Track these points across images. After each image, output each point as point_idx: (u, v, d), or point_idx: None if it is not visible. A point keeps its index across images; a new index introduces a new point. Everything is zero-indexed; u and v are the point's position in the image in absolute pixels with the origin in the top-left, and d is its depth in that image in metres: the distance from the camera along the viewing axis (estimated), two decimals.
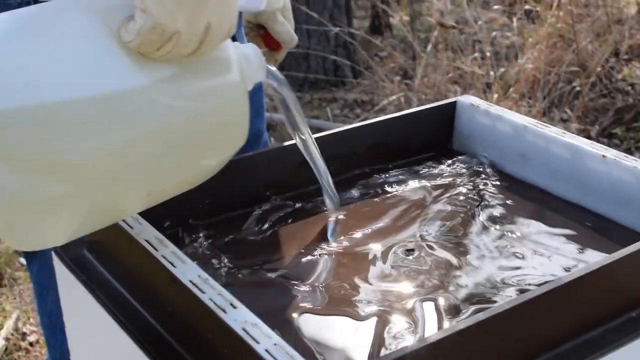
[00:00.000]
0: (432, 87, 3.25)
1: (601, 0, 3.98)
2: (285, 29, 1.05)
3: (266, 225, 0.89)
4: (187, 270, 0.69)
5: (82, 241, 0.84)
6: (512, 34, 3.88)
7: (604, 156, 0.87)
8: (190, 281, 0.68)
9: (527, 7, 3.86)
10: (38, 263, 1.17)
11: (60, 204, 0.66)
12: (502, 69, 3.38)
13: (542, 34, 3.59)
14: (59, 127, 0.63)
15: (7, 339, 2.11)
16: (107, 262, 0.81)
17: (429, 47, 3.32)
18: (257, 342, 0.61)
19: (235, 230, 0.88)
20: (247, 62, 0.75)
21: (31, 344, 2.11)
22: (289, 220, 0.90)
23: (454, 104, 1.02)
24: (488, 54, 3.31)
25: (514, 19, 3.72)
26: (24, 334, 2.15)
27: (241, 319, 0.63)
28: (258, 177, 0.92)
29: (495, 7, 4.15)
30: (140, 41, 0.65)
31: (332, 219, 0.89)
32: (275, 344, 0.60)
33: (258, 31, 1.07)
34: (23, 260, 2.42)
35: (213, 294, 0.66)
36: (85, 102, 0.64)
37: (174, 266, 0.70)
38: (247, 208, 0.91)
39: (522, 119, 0.96)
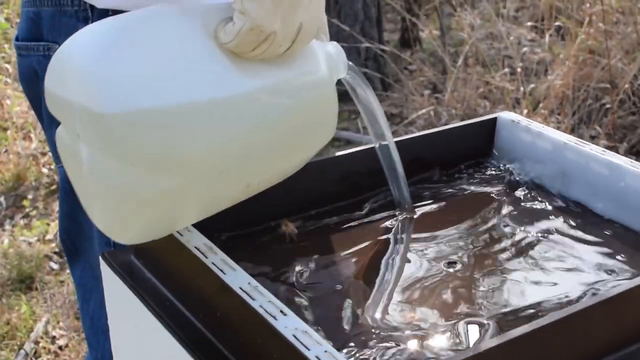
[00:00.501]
0: (462, 101, 3.26)
1: (632, 17, 3.97)
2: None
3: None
4: (237, 278, 0.71)
5: (129, 248, 0.86)
6: (542, 50, 3.88)
7: None
8: (241, 288, 0.69)
9: (557, 23, 3.87)
10: (81, 266, 1.19)
11: (171, 197, 0.71)
12: (531, 85, 3.38)
13: (571, 51, 3.58)
14: (174, 128, 0.68)
15: (36, 342, 2.13)
16: (155, 269, 0.82)
17: (459, 61, 3.33)
18: (308, 349, 0.62)
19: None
20: (331, 59, 0.79)
21: (60, 348, 2.13)
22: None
23: (494, 119, 1.03)
24: (518, 69, 3.32)
25: (546, 35, 3.72)
26: (54, 337, 2.17)
27: (292, 326, 0.65)
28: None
29: (528, 23, 4.15)
30: (238, 42, 0.68)
31: (401, 218, 0.92)
32: (325, 351, 0.62)
33: None
34: (54, 265, 2.45)
35: (263, 301, 0.68)
36: (197, 106, 0.68)
37: (224, 273, 0.72)
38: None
39: (562, 136, 0.97)
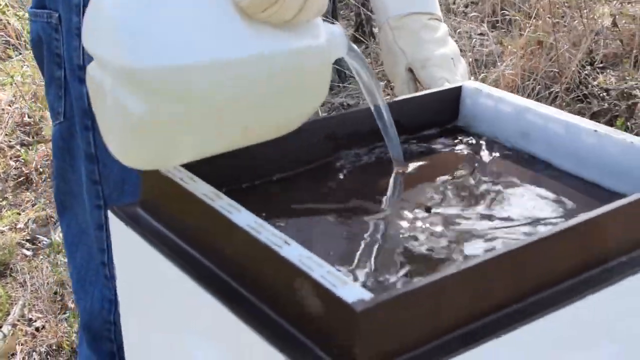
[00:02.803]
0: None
1: (577, 11, 4.12)
2: None
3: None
4: (243, 217, 0.80)
5: (134, 201, 0.95)
6: (492, 42, 4.02)
7: (595, 130, 0.99)
8: (248, 225, 0.79)
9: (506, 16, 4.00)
10: (67, 221, 1.29)
11: (180, 125, 0.82)
12: (482, 74, 3.51)
13: (520, 42, 3.72)
14: (190, 79, 0.80)
15: (13, 325, 2.20)
16: (162, 217, 0.91)
17: None
18: (312, 271, 0.71)
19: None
20: (333, 37, 0.89)
21: (37, 329, 2.20)
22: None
23: (460, 87, 1.14)
24: (469, 60, 3.44)
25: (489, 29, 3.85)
26: (30, 319, 2.23)
27: (296, 253, 0.74)
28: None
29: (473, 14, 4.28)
30: (250, 1, 0.77)
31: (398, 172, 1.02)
32: (328, 272, 0.71)
33: None
34: (27, 252, 2.52)
35: (268, 235, 0.77)
36: (215, 62, 0.80)
37: (231, 213, 0.81)
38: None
39: (522, 100, 1.08)
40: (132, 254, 0.94)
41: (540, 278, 0.77)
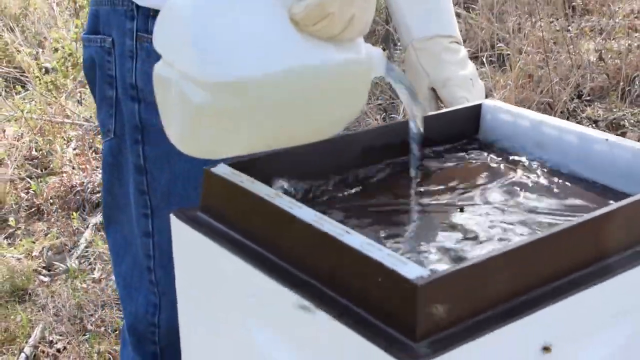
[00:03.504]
0: None
1: (565, 46, 4.27)
2: None
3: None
4: (305, 213, 0.90)
5: (195, 206, 1.05)
6: (482, 78, 4.15)
7: (607, 139, 1.10)
8: (311, 218, 0.89)
9: (498, 51, 4.14)
10: (113, 233, 1.39)
11: (234, 117, 0.94)
12: None
13: (512, 75, 3.86)
14: (250, 85, 0.92)
15: (35, 347, 2.28)
16: (224, 218, 1.01)
17: None
18: (374, 254, 0.82)
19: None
20: (372, 57, 1.01)
21: (59, 351, 2.28)
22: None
23: (480, 105, 1.25)
24: None
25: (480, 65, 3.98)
26: (51, 341, 2.32)
27: (358, 240, 0.84)
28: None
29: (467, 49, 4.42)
30: (305, 14, 0.89)
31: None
32: (388, 254, 0.81)
33: None
34: (44, 278, 2.60)
35: (330, 226, 0.87)
36: (271, 72, 0.93)
37: (292, 209, 0.91)
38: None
39: (537, 115, 1.19)
40: (194, 253, 1.04)
41: (571, 260, 0.87)
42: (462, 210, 1.04)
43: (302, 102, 0.97)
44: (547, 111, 3.65)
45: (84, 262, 2.70)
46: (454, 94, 1.31)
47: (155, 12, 1.22)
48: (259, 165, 1.04)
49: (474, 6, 4.74)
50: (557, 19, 4.76)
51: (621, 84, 4.03)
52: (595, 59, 4.40)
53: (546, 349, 0.82)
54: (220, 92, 0.92)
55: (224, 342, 1.03)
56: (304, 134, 1.03)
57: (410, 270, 0.78)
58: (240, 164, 1.03)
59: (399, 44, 4.28)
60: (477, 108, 1.25)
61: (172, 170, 1.30)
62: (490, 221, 1.01)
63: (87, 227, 2.92)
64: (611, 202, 1.02)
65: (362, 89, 1.02)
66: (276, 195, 0.95)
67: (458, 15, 4.58)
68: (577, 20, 4.97)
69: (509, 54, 4.07)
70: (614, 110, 3.94)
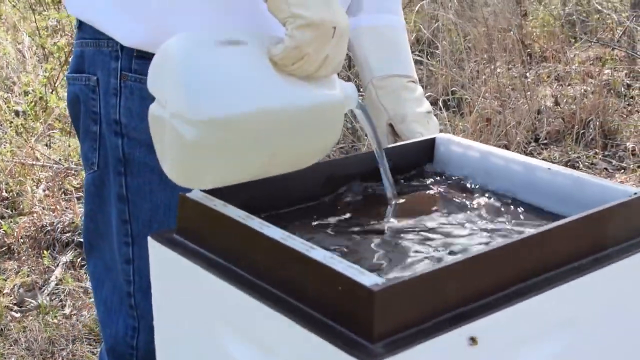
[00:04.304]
0: None
1: (522, 92, 4.42)
2: None
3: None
4: (274, 231, 0.99)
5: (171, 229, 1.14)
6: (441, 123, 4.29)
7: (549, 168, 1.21)
8: (278, 236, 0.98)
9: (457, 96, 4.28)
10: (94, 260, 1.46)
11: (222, 149, 1.05)
12: None
13: (471, 120, 3.99)
14: (236, 124, 1.04)
15: None
16: (198, 239, 1.09)
17: None
18: (336, 265, 0.91)
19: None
20: (346, 92, 1.13)
21: None
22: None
23: (434, 138, 1.36)
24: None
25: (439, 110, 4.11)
26: None
27: (321, 254, 0.93)
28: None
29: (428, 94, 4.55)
30: (284, 55, 1.00)
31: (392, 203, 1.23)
32: (348, 266, 0.91)
33: None
34: (16, 314, 2.66)
35: (296, 243, 0.96)
36: (255, 110, 1.04)
37: (262, 229, 1.00)
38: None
39: (485, 147, 1.30)
40: (170, 272, 1.12)
41: (513, 273, 0.97)
42: (418, 232, 1.13)
43: (284, 135, 1.08)
44: None
45: (54, 298, 2.76)
46: (412, 129, 1.41)
47: (139, 52, 1.32)
48: (229, 192, 1.13)
49: (437, 52, 4.89)
50: (515, 66, 4.92)
51: (576, 127, 4.18)
52: (551, 104, 4.55)
53: (472, 339, 0.91)
54: (209, 129, 1.02)
55: (199, 350, 1.11)
56: (287, 164, 1.14)
57: (367, 279, 0.88)
58: (212, 191, 1.12)
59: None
60: (432, 141, 1.36)
61: (153, 200, 1.38)
62: (443, 241, 1.11)
63: (58, 265, 2.98)
64: (551, 222, 1.12)
65: (338, 120, 1.13)
66: (247, 216, 1.04)
67: (420, 62, 4.73)
68: (535, 67, 5.14)
69: (467, 99, 4.21)
70: (569, 152, 4.09)
